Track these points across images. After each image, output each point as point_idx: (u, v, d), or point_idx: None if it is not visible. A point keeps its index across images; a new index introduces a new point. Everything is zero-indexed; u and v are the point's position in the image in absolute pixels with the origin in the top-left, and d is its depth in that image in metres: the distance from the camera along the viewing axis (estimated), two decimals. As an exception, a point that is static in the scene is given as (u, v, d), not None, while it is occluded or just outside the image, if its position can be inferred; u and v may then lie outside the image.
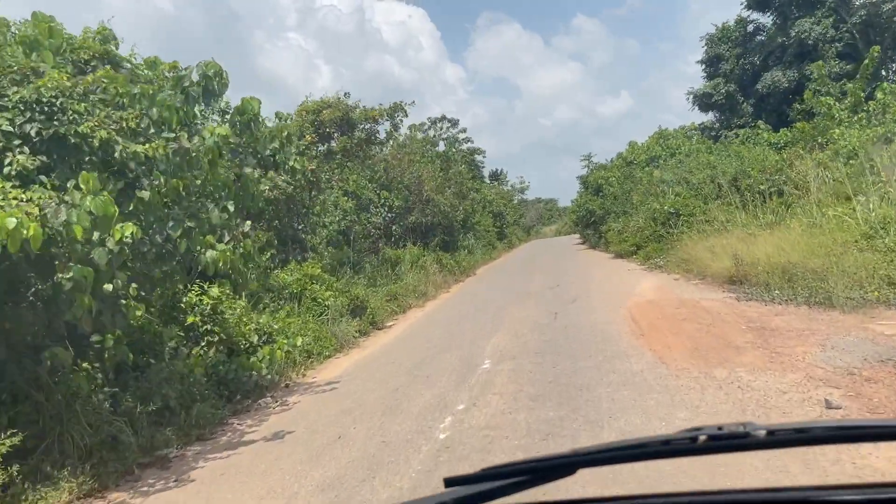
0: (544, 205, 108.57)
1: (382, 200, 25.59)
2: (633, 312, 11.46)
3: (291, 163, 15.00)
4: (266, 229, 15.44)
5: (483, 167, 61.86)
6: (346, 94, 16.71)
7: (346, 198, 23.24)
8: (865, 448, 4.36)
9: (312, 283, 13.51)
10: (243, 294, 11.67)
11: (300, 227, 17.54)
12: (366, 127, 17.82)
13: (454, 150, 33.65)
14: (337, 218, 20.80)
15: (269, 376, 9.73)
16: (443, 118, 58.74)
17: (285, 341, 10.69)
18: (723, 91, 37.65)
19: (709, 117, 40.63)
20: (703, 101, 38.74)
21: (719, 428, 1.16)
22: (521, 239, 63.94)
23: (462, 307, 16.41)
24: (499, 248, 43.02)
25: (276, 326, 11.02)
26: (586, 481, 4.23)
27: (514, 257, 39.31)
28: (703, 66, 39.97)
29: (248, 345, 10.26)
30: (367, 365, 10.81)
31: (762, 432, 1.13)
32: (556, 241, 61.79)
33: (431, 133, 57.85)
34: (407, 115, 18.28)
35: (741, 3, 36.88)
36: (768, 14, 37.00)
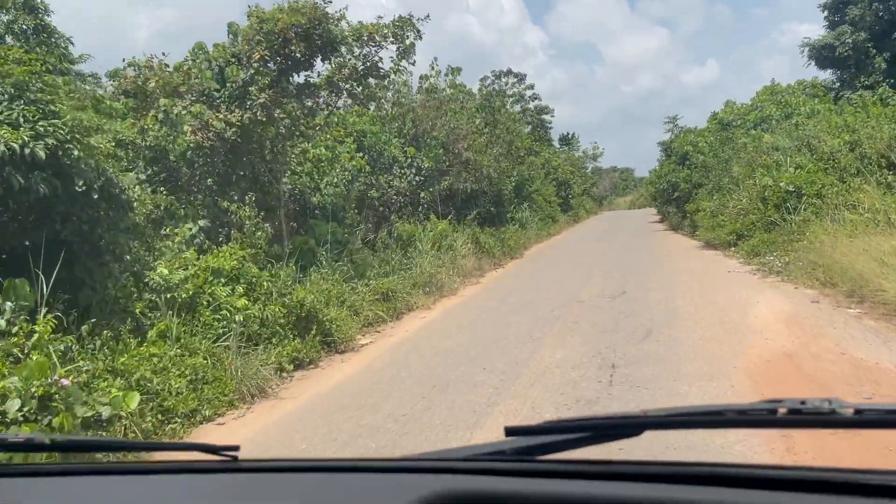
0: (620, 174, 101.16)
1: (409, 159, 20.29)
2: (767, 394, 5.86)
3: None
4: (179, 190, 10.42)
5: (551, 128, 55.46)
6: (324, -4, 11.34)
7: (360, 154, 18.08)
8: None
9: (217, 283, 8.39)
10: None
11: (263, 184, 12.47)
12: (362, 52, 12.45)
13: (501, 100, 27.73)
14: (341, 179, 15.60)
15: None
16: (509, 72, 52.80)
17: (89, 401, 5.62)
18: (849, 42, 30.34)
19: (826, 76, 33.32)
20: (822, 54, 31.48)
21: (802, 402, 1.11)
22: (591, 211, 57.29)
23: (472, 325, 11.03)
24: (561, 222, 37.11)
25: (85, 372, 5.94)
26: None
27: (576, 235, 33.39)
28: (826, 12, 32.59)
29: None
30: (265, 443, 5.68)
31: (849, 410, 1.07)
32: (629, 214, 55.16)
33: (496, 88, 52.11)
34: (420, 37, 12.79)
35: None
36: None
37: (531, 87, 53.87)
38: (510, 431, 1.31)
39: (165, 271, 7.97)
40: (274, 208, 13.04)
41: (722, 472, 1.14)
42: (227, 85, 10.99)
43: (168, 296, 7.97)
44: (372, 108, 19.60)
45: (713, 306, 10.23)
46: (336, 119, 17.73)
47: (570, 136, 67.32)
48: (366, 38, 12.27)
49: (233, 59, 11.11)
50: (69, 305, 7.09)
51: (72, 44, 15.92)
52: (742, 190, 18.59)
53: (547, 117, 54.86)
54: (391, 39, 12.67)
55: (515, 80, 53.08)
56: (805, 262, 12.18)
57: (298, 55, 11.42)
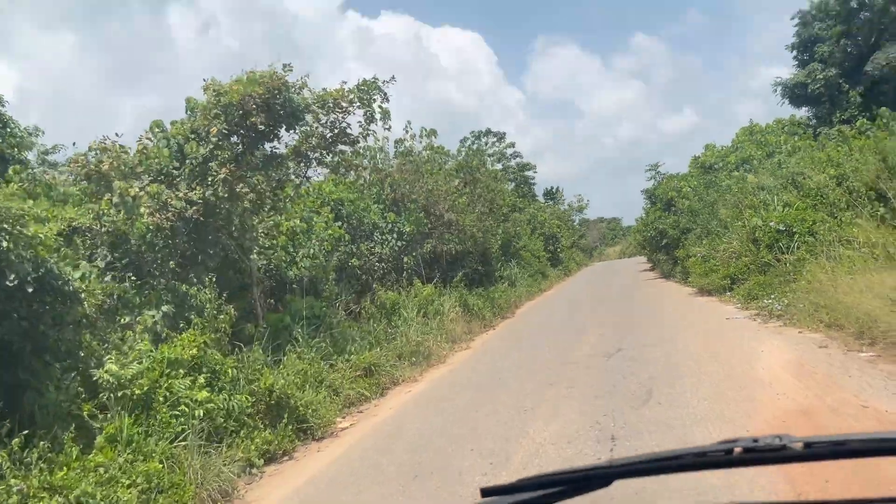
0: (607, 224, 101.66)
1: (390, 225, 19.80)
2: (795, 475, 5.15)
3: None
4: (142, 275, 9.79)
5: (534, 183, 55.52)
6: (285, 65, 10.96)
7: (338, 223, 17.61)
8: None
9: (176, 375, 7.66)
10: None
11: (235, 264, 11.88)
12: (329, 119, 12.02)
13: (480, 159, 27.48)
14: (319, 250, 15.00)
15: None
16: (488, 132, 53.08)
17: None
18: (821, 78, 30.52)
19: (802, 113, 33.42)
20: (795, 92, 31.64)
21: (755, 440, 1.17)
22: (581, 263, 57.04)
23: (460, 396, 10.27)
24: (551, 277, 36.56)
25: None
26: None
27: (567, 289, 32.80)
28: (795, 52, 32.90)
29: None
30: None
31: (799, 444, 1.13)
32: (619, 265, 54.84)
33: (475, 148, 52.35)
34: (388, 100, 12.41)
35: (842, -29, 29.85)
36: (877, -18, 29.85)
37: (511, 144, 54.14)
38: (486, 492, 1.33)
39: (115, 367, 7.26)
40: (248, 286, 12.42)
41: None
42: (187, 162, 10.49)
43: (120, 394, 7.25)
44: (351, 175, 19.23)
45: (716, 359, 9.55)
46: (309, 189, 17.32)
47: (554, 190, 67.51)
48: (331, 105, 11.87)
49: (192, 136, 10.64)
50: (11, 410, 6.40)
51: (41, 132, 15.57)
52: (731, 232, 18.15)
53: (530, 173, 54.99)
54: (357, 104, 12.29)
55: (495, 139, 53.34)
56: (806, 303, 11.58)
57: (261, 126, 10.97)
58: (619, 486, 1.35)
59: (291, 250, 14.52)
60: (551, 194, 66.01)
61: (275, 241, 13.89)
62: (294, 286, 14.30)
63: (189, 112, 11.33)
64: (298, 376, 9.86)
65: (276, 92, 10.50)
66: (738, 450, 1.18)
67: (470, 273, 21.55)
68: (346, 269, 17.51)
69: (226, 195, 10.20)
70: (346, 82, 12.10)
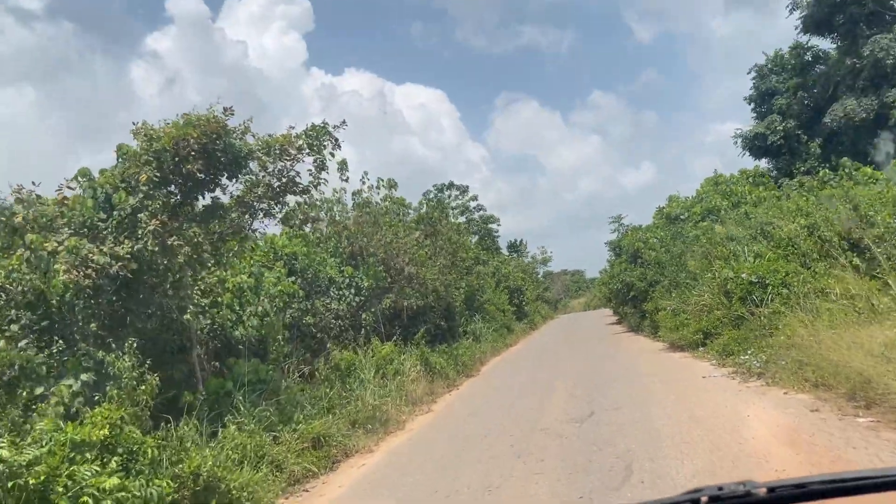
0: (570, 276, 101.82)
1: (347, 279, 18.83)
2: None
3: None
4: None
5: (498, 236, 55.12)
6: (225, 109, 10.08)
7: (291, 278, 16.63)
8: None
9: (82, 459, 6.53)
10: None
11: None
12: (276, 167, 11.16)
13: (441, 211, 26.84)
14: (270, 307, 13.93)
15: None
16: (451, 185, 52.84)
17: None
18: (780, 130, 30.78)
19: (763, 165, 33.66)
20: (755, 143, 31.85)
21: (720, 488, 1.26)
22: (546, 316, 56.37)
23: (419, 471, 9.20)
24: (517, 331, 35.68)
25: None
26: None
27: (533, 344, 31.93)
28: (753, 105, 33.29)
29: None
30: None
31: (762, 490, 1.22)
32: (585, 317, 54.35)
33: (437, 200, 51.96)
34: (339, 146, 11.60)
35: (795, 28, 30.46)
36: (830, 38, 30.50)
37: (475, 197, 53.87)
38: None
39: (6, 452, 6.11)
40: (187, 349, 11.32)
41: None
42: (115, 213, 9.48)
43: (10, 484, 6.08)
44: (308, 228, 18.32)
45: (698, 425, 8.69)
46: (260, 243, 16.35)
47: (518, 242, 67.14)
48: (278, 151, 11.01)
49: (121, 184, 9.66)
50: None
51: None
52: (702, 284, 17.56)
53: (493, 226, 54.63)
54: (307, 151, 11.45)
55: (458, 192, 53.05)
56: (788, 360, 10.85)
57: (199, 174, 10.06)
58: None
59: (238, 308, 13.47)
60: (515, 247, 65.65)
61: (219, 299, 12.82)
62: (240, 347, 13.21)
63: (120, 159, 10.36)
64: (236, 451, 8.77)
65: (215, 136, 9.61)
66: (703, 499, 1.23)
67: (432, 329, 20.59)
68: (300, 327, 16.46)
69: (156, 249, 9.18)
70: (293, 127, 11.27)
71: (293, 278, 16.79)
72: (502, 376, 19.55)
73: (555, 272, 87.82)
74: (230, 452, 8.69)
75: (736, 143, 32.64)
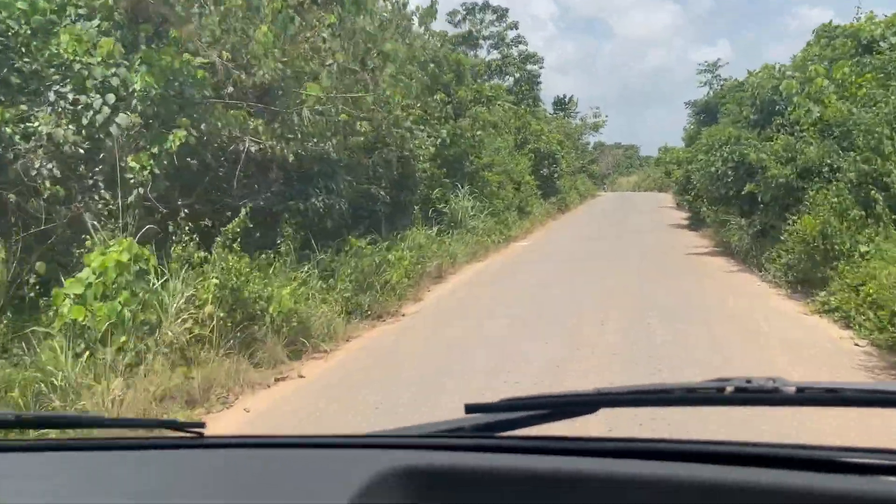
0: (623, 151, 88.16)
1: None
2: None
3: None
4: None
5: (539, 83, 42.26)
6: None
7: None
8: None
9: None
10: None
11: None
12: None
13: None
14: None
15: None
16: (486, 6, 40.04)
17: None
18: None
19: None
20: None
21: (748, 381, 1.15)
22: (586, 194, 44.31)
23: None
24: (535, 215, 24.70)
25: None
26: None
27: (553, 238, 20.92)
28: None
29: None
30: None
31: (791, 388, 1.11)
32: (636, 200, 42.51)
33: (467, 26, 39.48)
34: None
35: None
36: None
37: (514, 25, 40.88)
38: (470, 409, 1.31)
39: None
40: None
41: (667, 447, 1.17)
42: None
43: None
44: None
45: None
46: None
47: (566, 99, 53.92)
48: None
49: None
50: None
51: None
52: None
53: (534, 67, 41.69)
54: None
55: (494, 17, 40.20)
56: None
57: None
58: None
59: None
60: (562, 104, 52.73)
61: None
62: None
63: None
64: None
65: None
66: (729, 389, 1.14)
67: (320, 209, 9.73)
68: None
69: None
70: None
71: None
72: (449, 321, 8.97)
73: (606, 144, 75.29)
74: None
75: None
